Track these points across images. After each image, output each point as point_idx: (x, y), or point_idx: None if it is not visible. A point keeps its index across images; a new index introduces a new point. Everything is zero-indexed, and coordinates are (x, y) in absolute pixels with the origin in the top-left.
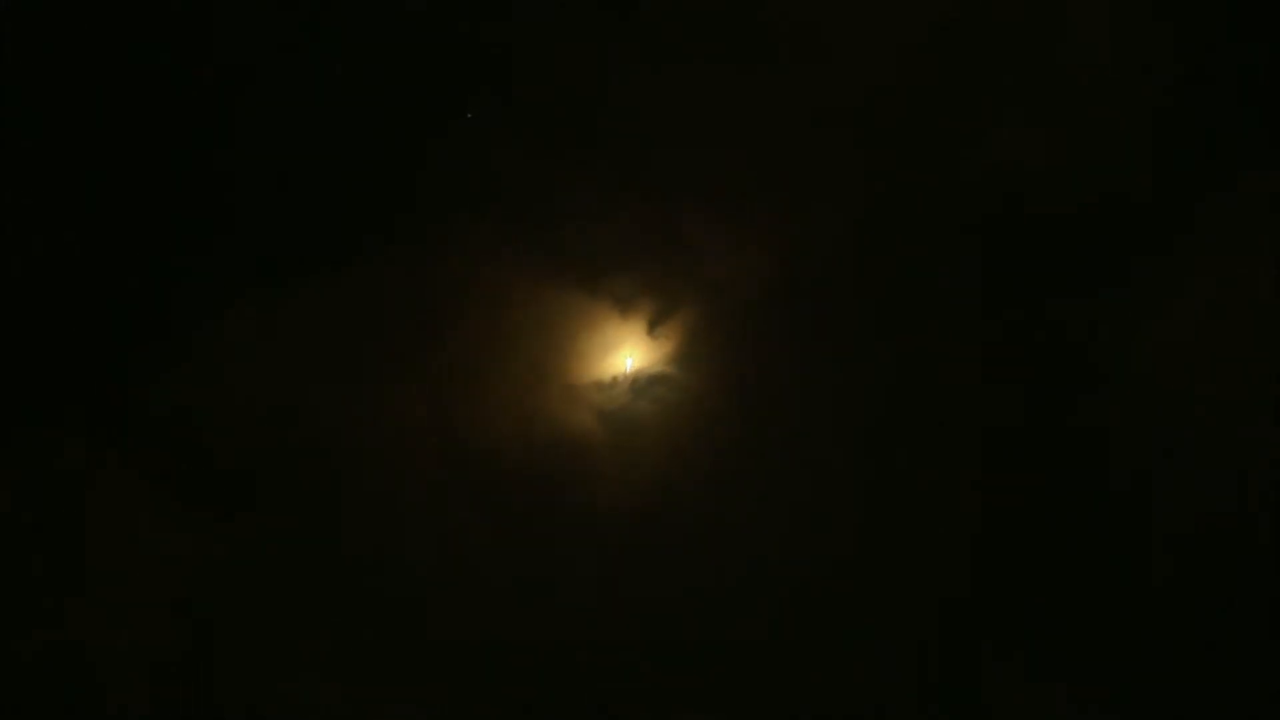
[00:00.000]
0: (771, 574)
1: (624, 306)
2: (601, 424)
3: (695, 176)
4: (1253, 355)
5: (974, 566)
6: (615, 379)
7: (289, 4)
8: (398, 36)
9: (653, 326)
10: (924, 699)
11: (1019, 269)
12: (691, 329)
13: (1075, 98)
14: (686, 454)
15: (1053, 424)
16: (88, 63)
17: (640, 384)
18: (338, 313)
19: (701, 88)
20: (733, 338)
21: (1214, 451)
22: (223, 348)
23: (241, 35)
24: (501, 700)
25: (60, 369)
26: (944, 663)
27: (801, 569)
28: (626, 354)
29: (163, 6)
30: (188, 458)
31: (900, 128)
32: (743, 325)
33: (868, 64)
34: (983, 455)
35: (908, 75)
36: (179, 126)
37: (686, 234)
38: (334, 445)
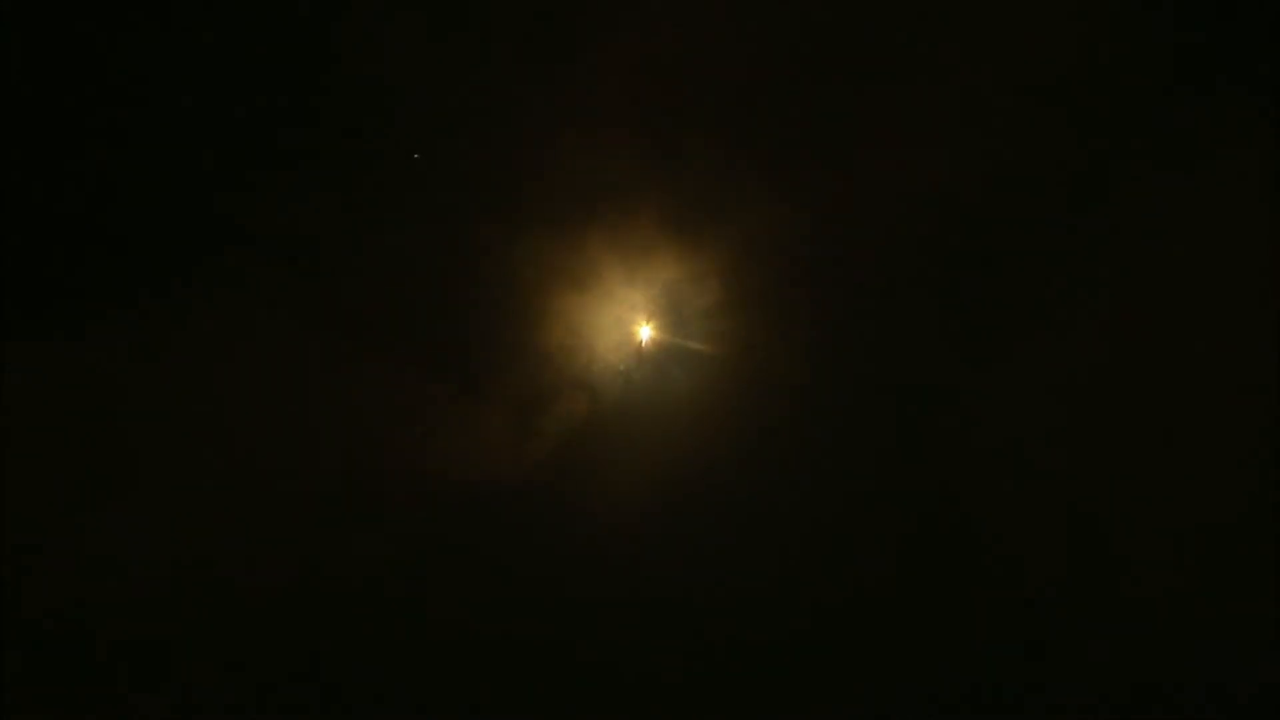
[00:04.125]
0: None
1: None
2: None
3: (503, 201)
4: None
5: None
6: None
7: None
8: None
9: (527, 413)
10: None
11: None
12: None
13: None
14: None
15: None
16: None
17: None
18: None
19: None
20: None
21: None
22: None
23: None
24: None
25: None
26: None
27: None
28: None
29: None
30: None
31: (770, 140)
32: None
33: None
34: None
35: (774, 74)
36: None
37: (488, 276)
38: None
